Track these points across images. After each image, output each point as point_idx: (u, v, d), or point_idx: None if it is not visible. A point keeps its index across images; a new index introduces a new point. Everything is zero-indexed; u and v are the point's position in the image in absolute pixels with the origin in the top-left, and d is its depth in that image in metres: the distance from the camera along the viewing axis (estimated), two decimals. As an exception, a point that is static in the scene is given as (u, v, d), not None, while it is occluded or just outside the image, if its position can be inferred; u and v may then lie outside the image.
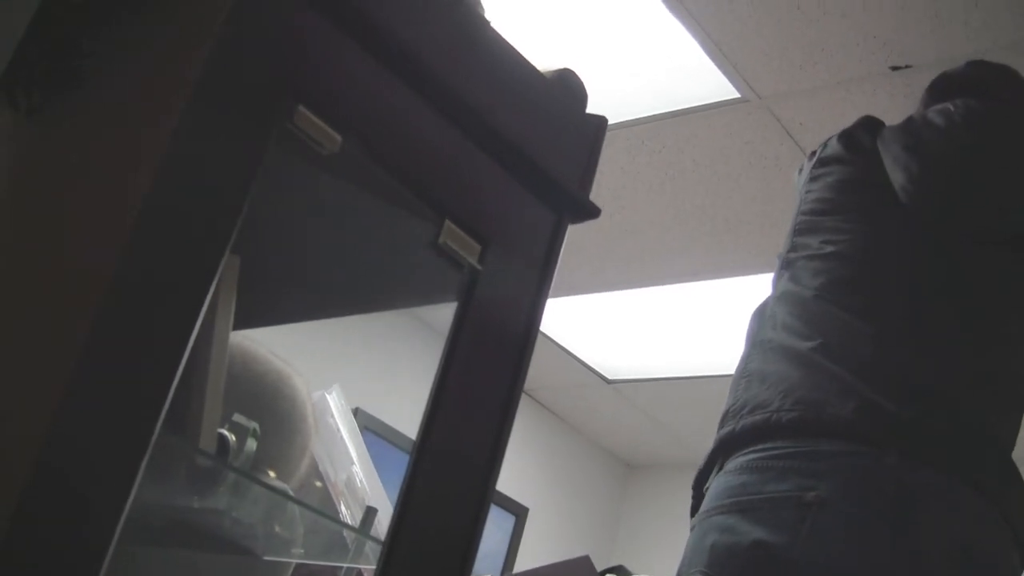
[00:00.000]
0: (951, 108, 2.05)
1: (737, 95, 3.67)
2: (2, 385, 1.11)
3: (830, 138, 2.19)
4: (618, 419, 6.38)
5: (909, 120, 2.09)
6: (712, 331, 5.07)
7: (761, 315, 2.04)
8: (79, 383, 1.00)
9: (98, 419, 1.01)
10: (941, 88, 2.20)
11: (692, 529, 1.88)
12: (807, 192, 2.14)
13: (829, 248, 2.01)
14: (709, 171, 4.04)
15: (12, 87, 1.33)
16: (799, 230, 2.09)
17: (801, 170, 2.22)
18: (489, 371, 1.35)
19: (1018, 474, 1.85)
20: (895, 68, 3.37)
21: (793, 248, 2.08)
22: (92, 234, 1.13)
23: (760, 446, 1.82)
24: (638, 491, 6.83)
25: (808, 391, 1.82)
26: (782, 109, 3.68)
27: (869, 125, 2.16)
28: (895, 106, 3.51)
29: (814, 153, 2.19)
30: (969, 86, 2.15)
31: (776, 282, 2.09)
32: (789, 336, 1.94)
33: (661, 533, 6.30)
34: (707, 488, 1.91)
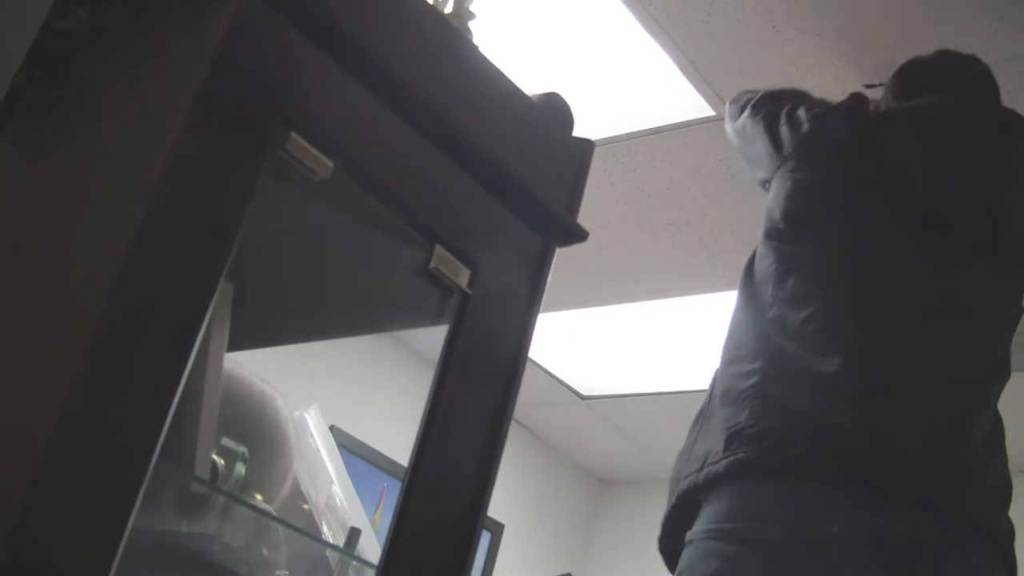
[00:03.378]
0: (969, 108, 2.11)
1: (712, 113, 3.68)
2: (-3, 414, 1.11)
3: (824, 111, 2.19)
4: (592, 435, 6.38)
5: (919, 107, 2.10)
6: (687, 348, 5.08)
7: (766, 332, 1.98)
8: (75, 413, 1.00)
9: (95, 448, 1.01)
10: (914, 75, 2.22)
11: (689, 543, 1.85)
12: (792, 172, 2.13)
13: (829, 251, 2.00)
14: (684, 188, 4.06)
15: (0, 115, 1.33)
16: (786, 218, 2.08)
17: (781, 141, 2.20)
18: (480, 395, 1.35)
19: (1002, 496, 1.85)
20: (869, 86, 3.39)
21: (789, 239, 2.06)
22: (85, 263, 1.13)
23: (773, 478, 1.81)
24: (612, 506, 6.83)
25: (825, 423, 1.80)
26: (757, 127, 3.70)
27: (863, 111, 2.18)
28: (869, 124, 3.54)
29: (807, 125, 2.18)
30: (943, 80, 2.17)
31: (776, 277, 2.04)
32: (810, 355, 1.89)
33: (635, 547, 6.30)
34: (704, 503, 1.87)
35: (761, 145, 2.21)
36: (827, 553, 1.69)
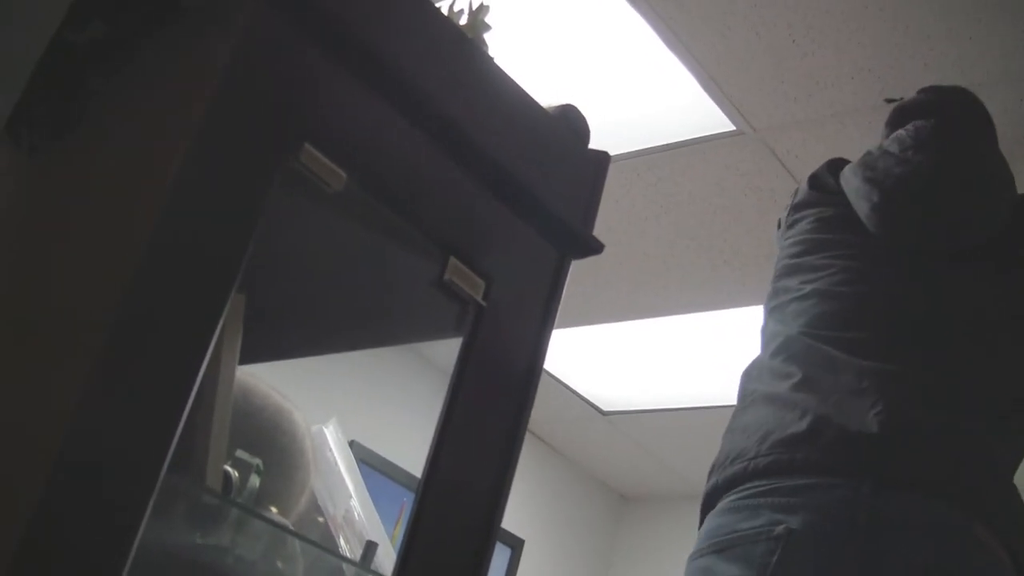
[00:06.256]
0: (903, 133, 2.12)
1: (732, 128, 3.67)
2: (6, 424, 1.11)
3: (799, 186, 2.26)
4: (613, 451, 6.37)
5: (867, 153, 2.15)
6: (707, 363, 5.07)
7: (749, 372, 2.07)
8: (86, 423, 1.00)
9: (105, 459, 1.01)
10: (896, 119, 2.25)
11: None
12: (786, 239, 2.21)
13: (808, 287, 2.05)
14: (705, 203, 4.05)
15: (15, 126, 1.33)
16: (779, 275, 2.15)
17: (779, 225, 2.27)
18: (494, 407, 1.35)
19: (1015, 497, 1.84)
20: (890, 100, 3.37)
21: (775, 294, 2.13)
22: (97, 273, 1.13)
23: (738, 488, 1.85)
24: (633, 523, 6.81)
25: (782, 432, 1.84)
26: (777, 141, 3.68)
27: (833, 166, 2.25)
28: (890, 138, 3.52)
29: (788, 205, 2.25)
30: (921, 112, 2.19)
31: (763, 333, 2.13)
32: (772, 380, 1.96)
33: (656, 564, 6.29)
34: None
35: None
36: (786, 547, 1.73)
